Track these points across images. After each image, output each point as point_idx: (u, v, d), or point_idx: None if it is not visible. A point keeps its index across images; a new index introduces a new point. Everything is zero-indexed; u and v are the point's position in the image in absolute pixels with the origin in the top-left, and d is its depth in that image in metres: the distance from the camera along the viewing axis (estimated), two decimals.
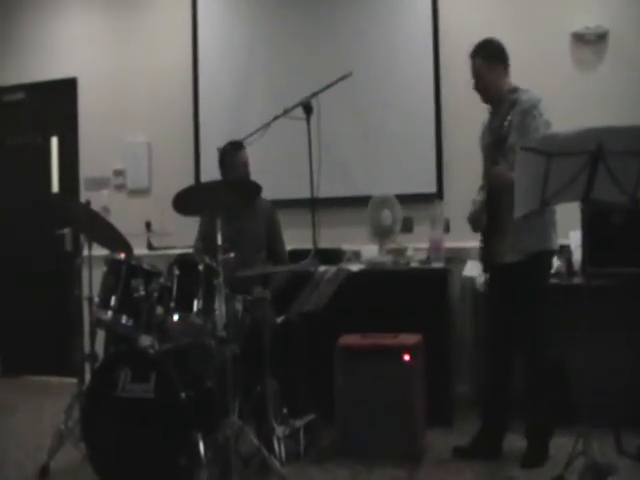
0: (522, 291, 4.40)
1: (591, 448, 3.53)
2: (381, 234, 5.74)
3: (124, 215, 6.49)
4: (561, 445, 4.37)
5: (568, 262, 5.28)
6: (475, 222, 4.51)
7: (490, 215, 4.42)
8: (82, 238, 4.81)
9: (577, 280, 5.13)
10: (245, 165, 5.15)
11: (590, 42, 5.72)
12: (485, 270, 4.69)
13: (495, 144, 4.45)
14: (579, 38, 5.74)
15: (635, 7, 5.65)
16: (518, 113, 4.37)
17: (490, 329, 4.67)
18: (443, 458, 4.63)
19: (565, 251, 5.30)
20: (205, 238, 5.04)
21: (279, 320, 4.69)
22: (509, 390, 4.58)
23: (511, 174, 4.03)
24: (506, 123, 4.37)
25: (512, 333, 4.50)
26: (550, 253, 4.58)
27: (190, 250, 5.10)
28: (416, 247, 5.74)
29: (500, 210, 4.32)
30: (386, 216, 5.72)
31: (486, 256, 4.53)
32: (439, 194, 6.03)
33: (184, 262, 4.48)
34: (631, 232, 4.93)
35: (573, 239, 5.19)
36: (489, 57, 4.53)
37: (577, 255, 5.17)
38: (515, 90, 4.51)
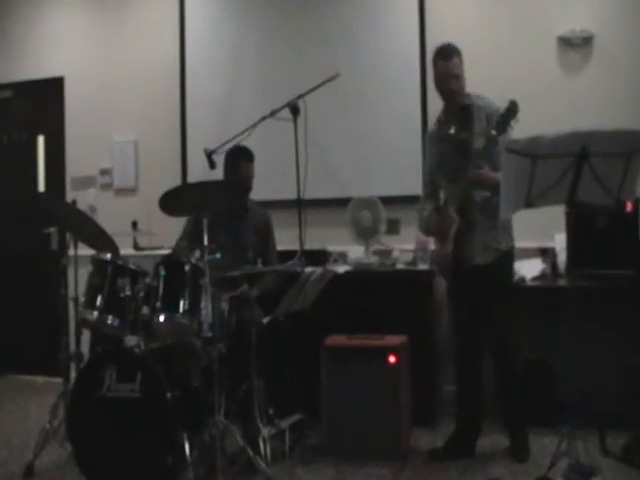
0: (495, 291, 4.43)
1: (575, 448, 3.54)
2: (361, 235, 5.76)
3: (110, 214, 6.49)
4: (545, 445, 4.42)
5: (553, 264, 5.31)
6: (443, 235, 4.45)
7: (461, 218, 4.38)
8: (68, 237, 4.79)
9: (562, 282, 5.15)
10: (252, 177, 5.19)
11: (576, 45, 5.74)
12: (445, 275, 4.68)
13: (457, 149, 4.40)
14: (565, 42, 5.76)
15: (620, 11, 5.68)
16: (483, 118, 4.35)
17: (458, 335, 4.66)
18: (428, 457, 4.64)
19: (550, 253, 5.34)
20: (191, 238, 5.04)
21: (265, 320, 4.70)
22: (481, 391, 4.62)
23: (494, 175, 4.07)
24: (474, 129, 4.35)
25: (480, 336, 4.52)
26: (513, 249, 4.63)
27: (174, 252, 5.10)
28: (402, 248, 5.76)
29: (470, 213, 4.34)
30: (365, 217, 5.74)
31: (452, 259, 4.43)
32: None
33: (170, 262, 4.47)
34: (616, 234, 4.96)
35: (558, 241, 5.22)
36: (461, 60, 4.48)
37: (562, 257, 5.20)
38: (467, 95, 4.51)
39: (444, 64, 4.46)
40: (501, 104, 4.06)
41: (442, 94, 4.55)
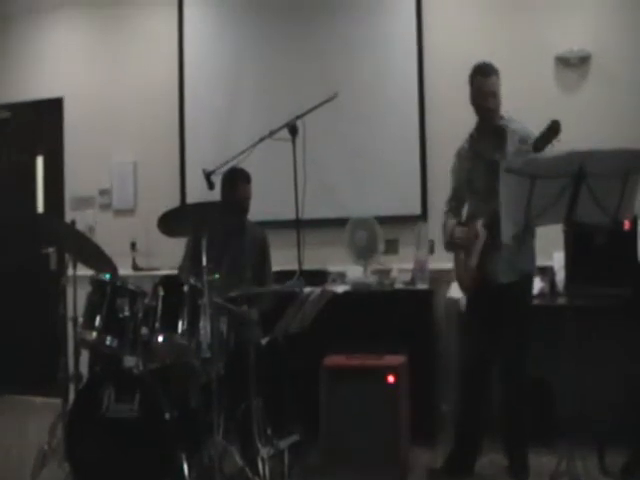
0: (516, 311, 4.45)
1: (575, 467, 3.53)
2: (359, 255, 5.77)
3: (109, 235, 6.51)
4: (545, 464, 4.39)
5: (551, 283, 5.32)
6: (468, 248, 4.49)
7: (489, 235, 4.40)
8: (67, 258, 4.79)
9: (560, 300, 5.16)
10: (249, 198, 5.20)
11: (573, 65, 5.78)
12: (468, 291, 4.69)
13: (489, 168, 4.36)
14: (563, 61, 5.80)
15: (617, 31, 5.72)
16: (516, 141, 4.38)
17: (471, 351, 4.65)
18: (427, 476, 4.64)
19: (549, 272, 5.34)
20: (191, 258, 5.04)
21: (264, 340, 4.69)
22: (482, 415, 4.61)
23: None
24: (507, 150, 4.38)
25: (493, 355, 4.52)
26: (535, 272, 4.69)
27: (175, 271, 5.11)
28: (401, 268, 5.76)
29: (498, 230, 4.36)
30: (361, 237, 5.76)
31: (476, 275, 4.49)
32: (424, 215, 6.05)
33: (169, 282, 4.47)
34: (614, 252, 4.97)
35: (556, 260, 5.23)
36: (499, 79, 4.51)
37: (560, 276, 5.20)
38: (501, 116, 4.54)
39: (483, 80, 4.48)
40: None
41: (478, 111, 4.56)
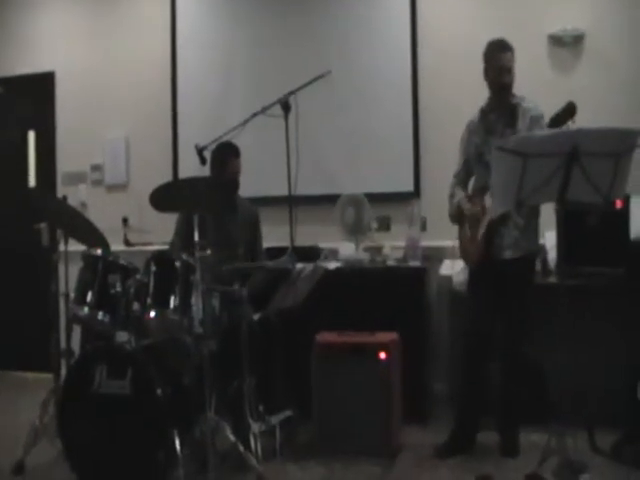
0: (518, 287, 4.49)
1: (565, 446, 3.55)
2: (349, 232, 5.77)
3: (101, 210, 6.50)
4: (535, 442, 4.43)
5: (544, 262, 5.32)
6: (475, 221, 4.52)
7: None
8: (59, 233, 4.78)
9: (552, 280, 5.17)
10: (239, 172, 5.18)
11: (567, 44, 5.76)
12: (473, 264, 4.68)
13: None
14: (556, 40, 5.78)
15: (611, 9, 5.70)
16: (527, 119, 4.42)
17: (471, 329, 4.65)
18: (419, 455, 4.66)
19: (541, 251, 5.34)
20: (182, 234, 5.03)
21: (256, 317, 4.70)
22: (484, 391, 4.63)
23: None
24: (518, 128, 4.40)
25: (493, 332, 4.54)
26: (539, 251, 4.80)
27: (166, 246, 5.10)
28: (393, 245, 5.76)
29: None
30: (350, 214, 5.76)
31: (482, 248, 4.50)
32: (416, 193, 6.05)
33: (161, 258, 4.46)
34: (606, 231, 4.98)
35: (548, 239, 5.23)
36: (514, 56, 4.51)
37: (552, 255, 5.21)
38: (514, 95, 4.54)
39: (500, 56, 4.47)
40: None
41: (493, 86, 4.54)
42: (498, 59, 4.47)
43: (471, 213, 4.57)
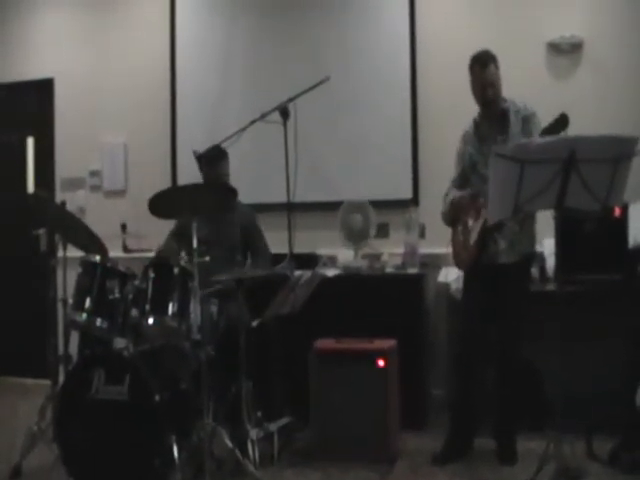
0: (514, 292, 4.49)
1: (562, 452, 3.55)
2: (353, 238, 5.77)
3: (100, 216, 6.49)
4: (532, 449, 4.42)
5: (541, 269, 5.32)
6: (475, 212, 4.51)
7: None
8: (57, 239, 4.78)
9: (550, 286, 5.17)
10: (228, 174, 5.17)
11: (565, 51, 5.77)
12: (464, 268, 4.68)
13: None
14: (554, 47, 5.79)
15: (609, 17, 5.71)
16: (520, 121, 4.44)
17: (466, 333, 4.65)
18: (416, 461, 4.65)
19: (538, 258, 5.35)
20: (180, 239, 5.04)
21: (254, 323, 4.70)
22: (478, 398, 4.63)
23: None
24: (511, 132, 4.42)
25: (488, 339, 4.54)
26: (535, 255, 4.81)
27: (163, 250, 5.09)
28: (392, 252, 5.77)
29: None
30: (357, 220, 5.76)
31: (475, 253, 4.49)
32: (415, 200, 6.04)
33: (159, 264, 4.47)
34: (604, 239, 4.98)
35: (546, 246, 5.23)
36: (497, 66, 4.52)
37: (550, 262, 5.21)
38: (504, 99, 4.56)
39: (481, 71, 4.48)
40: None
41: (478, 100, 4.57)
42: (479, 75, 4.49)
43: (457, 201, 4.57)
